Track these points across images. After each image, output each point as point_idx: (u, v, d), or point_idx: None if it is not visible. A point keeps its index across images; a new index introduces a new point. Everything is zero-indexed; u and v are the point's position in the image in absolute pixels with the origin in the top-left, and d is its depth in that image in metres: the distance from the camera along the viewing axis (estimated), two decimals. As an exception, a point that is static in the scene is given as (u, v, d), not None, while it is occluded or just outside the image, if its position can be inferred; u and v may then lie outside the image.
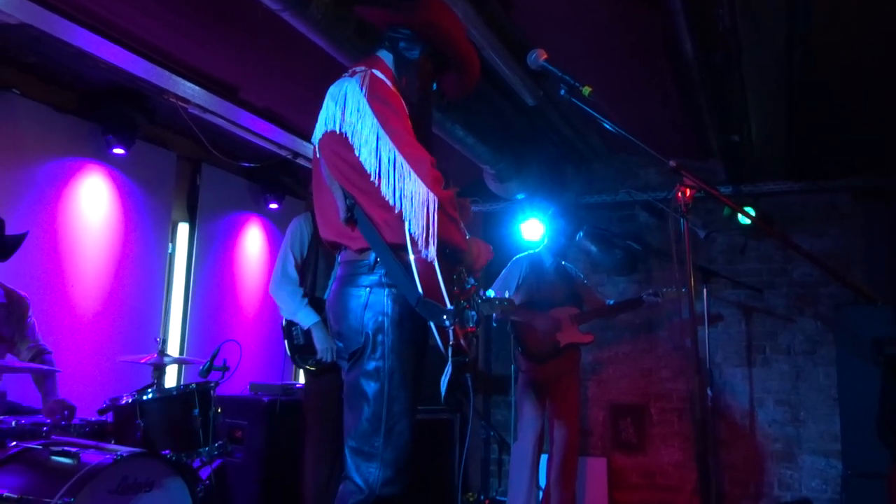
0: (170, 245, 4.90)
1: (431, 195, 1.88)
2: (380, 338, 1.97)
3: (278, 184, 5.51)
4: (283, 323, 3.78)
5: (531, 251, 4.62)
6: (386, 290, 1.98)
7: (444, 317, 1.88)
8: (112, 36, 3.49)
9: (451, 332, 1.89)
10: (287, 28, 3.11)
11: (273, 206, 5.54)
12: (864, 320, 4.71)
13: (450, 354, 1.89)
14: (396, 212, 1.89)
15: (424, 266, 1.89)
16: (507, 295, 4.39)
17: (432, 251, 1.87)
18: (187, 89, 4.03)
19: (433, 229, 1.87)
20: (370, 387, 1.96)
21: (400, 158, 1.90)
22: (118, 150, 4.26)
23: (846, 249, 5.33)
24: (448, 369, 1.90)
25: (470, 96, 2.55)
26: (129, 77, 3.88)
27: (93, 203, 4.30)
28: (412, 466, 1.98)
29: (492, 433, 5.87)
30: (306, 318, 3.62)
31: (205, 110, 4.29)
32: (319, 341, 3.58)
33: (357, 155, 1.93)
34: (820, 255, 5.24)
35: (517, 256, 4.57)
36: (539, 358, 4.30)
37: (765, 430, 5.39)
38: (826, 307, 5.30)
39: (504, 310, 4.06)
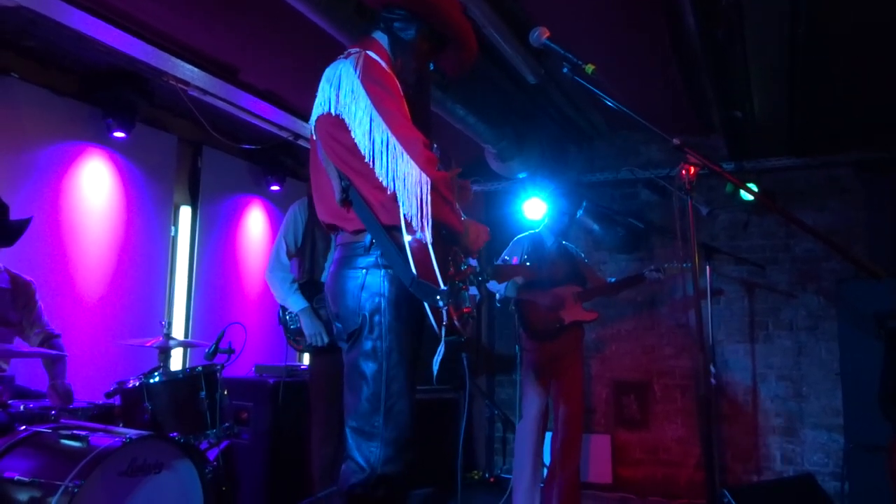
0: (172, 228, 4.90)
1: (424, 176, 1.89)
2: (377, 318, 1.98)
3: (279, 165, 5.51)
4: (279, 307, 3.86)
5: (532, 231, 4.61)
6: (382, 272, 2.00)
7: (438, 297, 1.89)
8: (110, 18, 3.47)
9: (444, 312, 1.90)
10: (287, 8, 3.09)
11: (274, 188, 5.53)
12: (865, 294, 4.72)
13: (443, 335, 1.91)
14: (389, 193, 1.90)
15: (419, 247, 1.90)
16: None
17: (426, 232, 1.87)
18: (187, 71, 4.00)
19: (426, 210, 1.87)
20: (368, 367, 1.98)
21: (393, 139, 1.90)
22: (118, 134, 4.24)
23: (848, 224, 5.33)
24: (440, 349, 1.92)
25: (470, 74, 2.54)
26: (128, 60, 3.85)
27: (94, 187, 4.29)
28: (413, 444, 2.00)
29: (496, 412, 5.91)
30: (295, 303, 3.71)
31: (205, 92, 4.26)
32: (307, 326, 3.67)
33: (351, 136, 1.94)
34: (822, 229, 5.24)
35: (518, 236, 4.57)
36: (543, 336, 4.31)
37: (767, 406, 5.42)
38: (828, 282, 5.31)
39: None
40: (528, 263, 4.35)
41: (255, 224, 5.55)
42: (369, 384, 1.96)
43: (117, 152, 4.43)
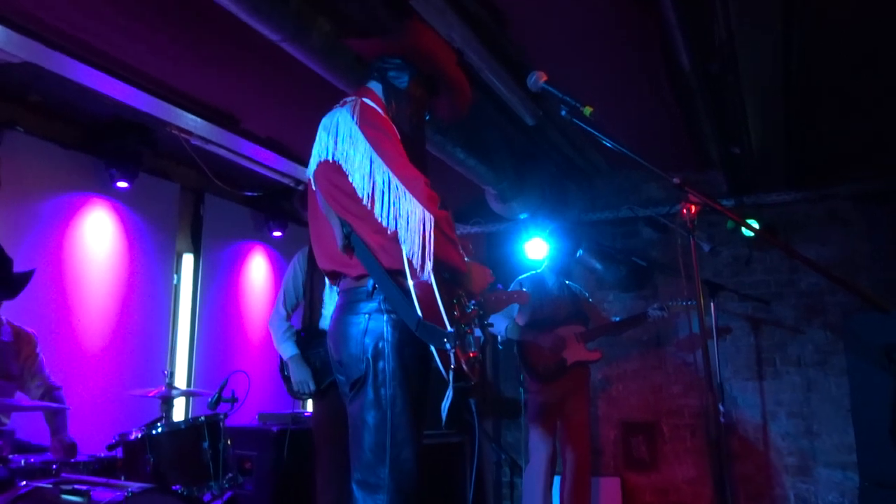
0: (175, 276, 4.90)
1: (427, 213, 1.88)
2: (380, 364, 1.95)
3: (281, 211, 5.53)
4: (279, 357, 3.89)
5: (534, 271, 4.61)
6: (385, 316, 1.98)
7: (445, 339, 1.86)
8: (113, 70, 3.52)
9: (451, 355, 1.87)
10: (287, 57, 3.14)
11: (276, 233, 5.55)
12: (873, 327, 4.66)
13: (451, 379, 1.87)
14: (391, 232, 1.89)
15: (423, 289, 1.88)
16: (512, 315, 4.38)
17: (429, 270, 1.85)
18: (189, 121, 4.05)
19: (430, 248, 1.86)
20: (372, 416, 1.94)
21: (394, 179, 1.91)
22: (122, 184, 4.27)
23: (851, 256, 5.32)
24: (449, 394, 1.88)
25: (469, 117, 2.57)
26: (131, 110, 3.91)
27: (97, 237, 4.31)
28: (421, 493, 1.95)
29: (503, 456, 5.82)
30: (286, 350, 3.75)
31: (207, 141, 4.31)
32: (294, 373, 3.70)
33: (351, 181, 1.94)
34: (825, 263, 5.23)
35: (519, 277, 4.57)
36: (546, 378, 4.27)
37: (778, 444, 5.33)
38: (834, 316, 5.28)
39: (511, 299, 4.05)
40: (527, 305, 4.33)
41: (257, 270, 5.55)
42: (373, 434, 1.93)
43: (120, 202, 4.45)
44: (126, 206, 4.49)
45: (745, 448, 5.40)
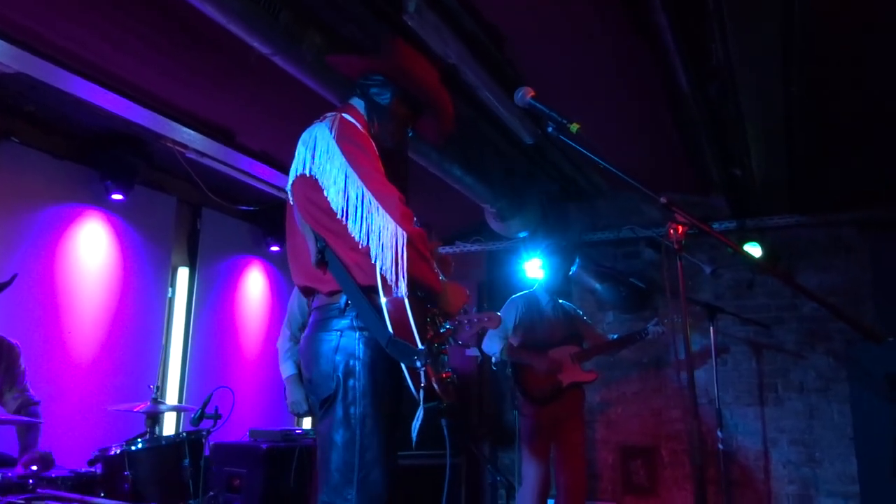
0: (169, 290, 4.87)
1: (400, 230, 1.86)
2: (351, 382, 1.91)
3: (279, 226, 5.49)
4: None
5: (527, 290, 4.55)
6: (357, 334, 1.94)
7: (415, 357, 1.82)
8: (108, 83, 3.52)
9: (422, 373, 1.83)
10: (280, 71, 3.13)
11: (274, 248, 5.52)
12: (877, 356, 4.58)
13: (421, 399, 1.83)
14: (363, 248, 1.86)
15: (395, 306, 1.85)
16: (507, 336, 4.31)
17: (402, 287, 1.82)
18: (184, 134, 4.05)
19: (402, 264, 1.83)
20: (341, 434, 1.89)
21: (368, 195, 1.89)
22: (117, 196, 4.26)
23: (854, 283, 5.23)
24: (419, 414, 1.84)
25: (464, 135, 2.54)
26: (126, 123, 3.90)
27: (91, 249, 4.29)
28: None
29: (499, 478, 5.73)
30: (284, 370, 3.83)
31: (202, 155, 4.31)
32: (289, 393, 3.77)
33: (326, 196, 1.92)
34: (828, 289, 5.15)
35: (513, 297, 4.51)
36: (541, 400, 4.20)
37: (779, 472, 5.22)
38: (838, 342, 5.18)
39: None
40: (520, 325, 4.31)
41: (254, 285, 5.51)
42: (341, 453, 1.88)
43: (115, 214, 4.44)
44: (121, 219, 4.48)
45: (745, 475, 5.29)
